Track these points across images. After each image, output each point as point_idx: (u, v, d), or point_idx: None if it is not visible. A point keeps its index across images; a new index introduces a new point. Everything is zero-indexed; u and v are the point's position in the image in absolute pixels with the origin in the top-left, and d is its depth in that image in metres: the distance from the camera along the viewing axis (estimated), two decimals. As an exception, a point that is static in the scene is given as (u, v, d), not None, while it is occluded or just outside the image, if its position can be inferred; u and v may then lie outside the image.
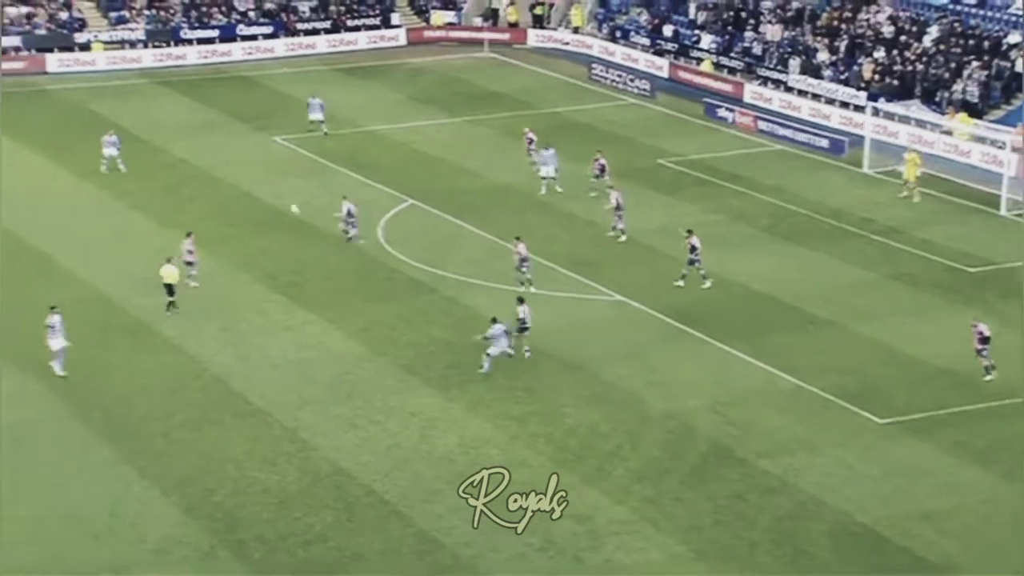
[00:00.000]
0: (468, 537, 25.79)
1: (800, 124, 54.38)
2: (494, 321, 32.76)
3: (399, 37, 68.71)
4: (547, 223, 43.49)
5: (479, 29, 68.73)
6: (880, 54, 57.59)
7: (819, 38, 60.45)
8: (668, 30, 65.44)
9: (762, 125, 54.59)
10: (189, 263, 37.23)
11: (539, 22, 69.65)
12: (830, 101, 56.56)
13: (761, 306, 37.45)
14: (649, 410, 31.36)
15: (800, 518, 27.07)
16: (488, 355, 32.56)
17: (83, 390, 31.59)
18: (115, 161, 47.34)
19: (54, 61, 61.98)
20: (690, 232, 38.21)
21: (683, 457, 29.34)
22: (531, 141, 48.85)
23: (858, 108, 54.45)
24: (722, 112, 56.15)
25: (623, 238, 41.61)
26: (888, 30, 58.85)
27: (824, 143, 52.30)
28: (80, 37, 63.64)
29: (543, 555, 25.66)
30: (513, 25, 69.60)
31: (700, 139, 53.58)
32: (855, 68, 57.49)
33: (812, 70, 58.72)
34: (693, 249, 37.77)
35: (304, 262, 39.78)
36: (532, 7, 70.19)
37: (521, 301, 33.95)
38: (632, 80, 60.74)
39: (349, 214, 40.91)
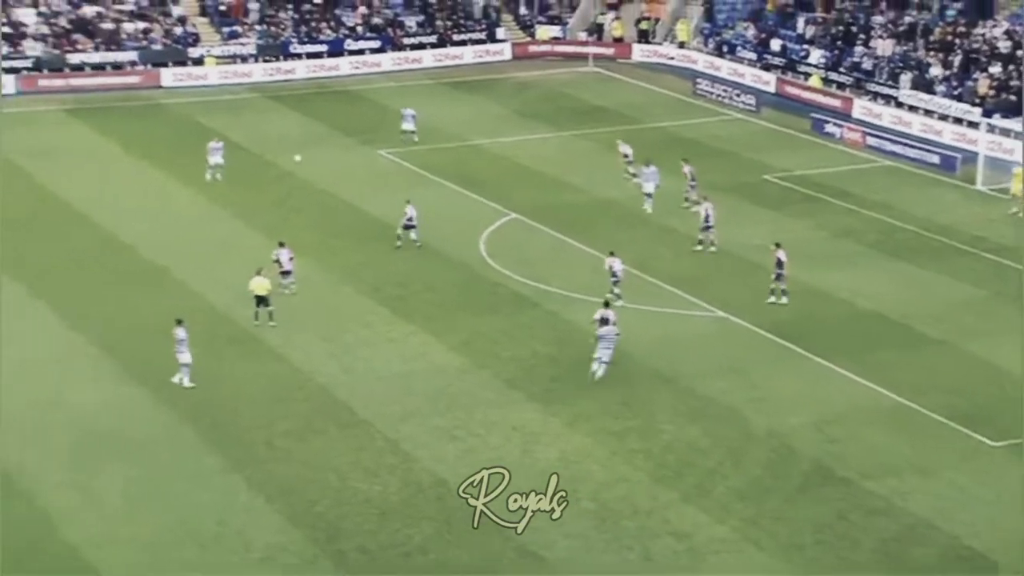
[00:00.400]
0: (568, 552, 25.76)
1: (911, 140, 53.47)
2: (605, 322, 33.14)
3: (504, 52, 69.05)
4: (649, 238, 43.30)
5: (584, 44, 68.78)
6: (996, 69, 56.35)
7: (932, 53, 59.36)
8: (776, 44, 64.81)
9: (871, 141, 53.76)
10: (287, 272, 37.77)
11: (644, 37, 69.48)
12: (942, 117, 55.50)
13: (867, 323, 36.84)
14: (751, 427, 31.00)
15: (907, 541, 26.52)
16: (600, 360, 32.73)
17: (192, 399, 32.17)
18: (218, 170, 48.34)
19: (168, 75, 63.43)
20: (777, 245, 37.89)
21: (785, 476, 28.94)
22: (626, 155, 48.82)
23: (972, 124, 53.33)
24: (830, 128, 55.43)
25: (712, 249, 41.49)
26: (1004, 45, 57.56)
27: (935, 159, 51.32)
28: (193, 52, 65.06)
29: (642, 572, 25.47)
30: (618, 40, 69.51)
31: (807, 155, 52.95)
32: (969, 83, 56.33)
33: (924, 85, 57.68)
34: (779, 264, 37.43)
35: (408, 274, 40.10)
36: (638, 22, 70.06)
37: (606, 305, 34.17)
38: (738, 95, 60.26)
39: (409, 218, 41.43)
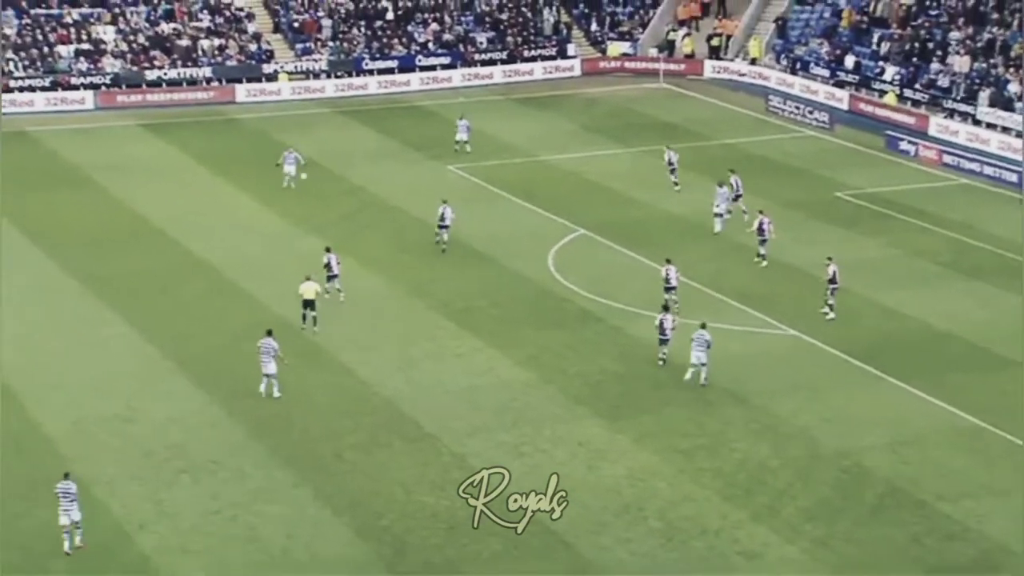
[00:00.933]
0: (635, 570, 25.53)
1: (988, 158, 52.63)
2: (703, 326, 33.26)
3: (574, 68, 69.03)
4: (718, 255, 42.98)
5: (655, 60, 68.58)
6: (1075, 85, 55.35)
7: (1011, 70, 58.38)
8: (850, 61, 64.14)
9: (947, 159, 52.98)
10: (334, 276, 38.26)
11: (716, 53, 69.12)
12: (1020, 135, 54.52)
13: (942, 344, 36.27)
14: (822, 447, 30.59)
15: (983, 565, 25.99)
16: (693, 366, 32.89)
17: (263, 412, 32.37)
18: (293, 179, 48.90)
19: (243, 91, 64.19)
20: (830, 259, 37.72)
21: (857, 497, 28.51)
22: (670, 162, 48.67)
23: (1051, 142, 52.41)
24: (904, 145, 54.72)
25: (764, 263, 41.30)
26: (1084, 61, 56.55)
27: (1013, 178, 50.47)
28: (267, 68, 65.77)
29: (710, 592, 25.26)
30: (689, 56, 69.21)
31: (880, 172, 52.32)
32: (1048, 100, 55.37)
33: (1003, 103, 56.75)
34: (833, 278, 37.26)
35: (476, 289, 40.13)
36: (709, 38, 69.71)
37: (665, 309, 34.39)
38: (811, 112, 59.73)
39: (442, 217, 42.08)
